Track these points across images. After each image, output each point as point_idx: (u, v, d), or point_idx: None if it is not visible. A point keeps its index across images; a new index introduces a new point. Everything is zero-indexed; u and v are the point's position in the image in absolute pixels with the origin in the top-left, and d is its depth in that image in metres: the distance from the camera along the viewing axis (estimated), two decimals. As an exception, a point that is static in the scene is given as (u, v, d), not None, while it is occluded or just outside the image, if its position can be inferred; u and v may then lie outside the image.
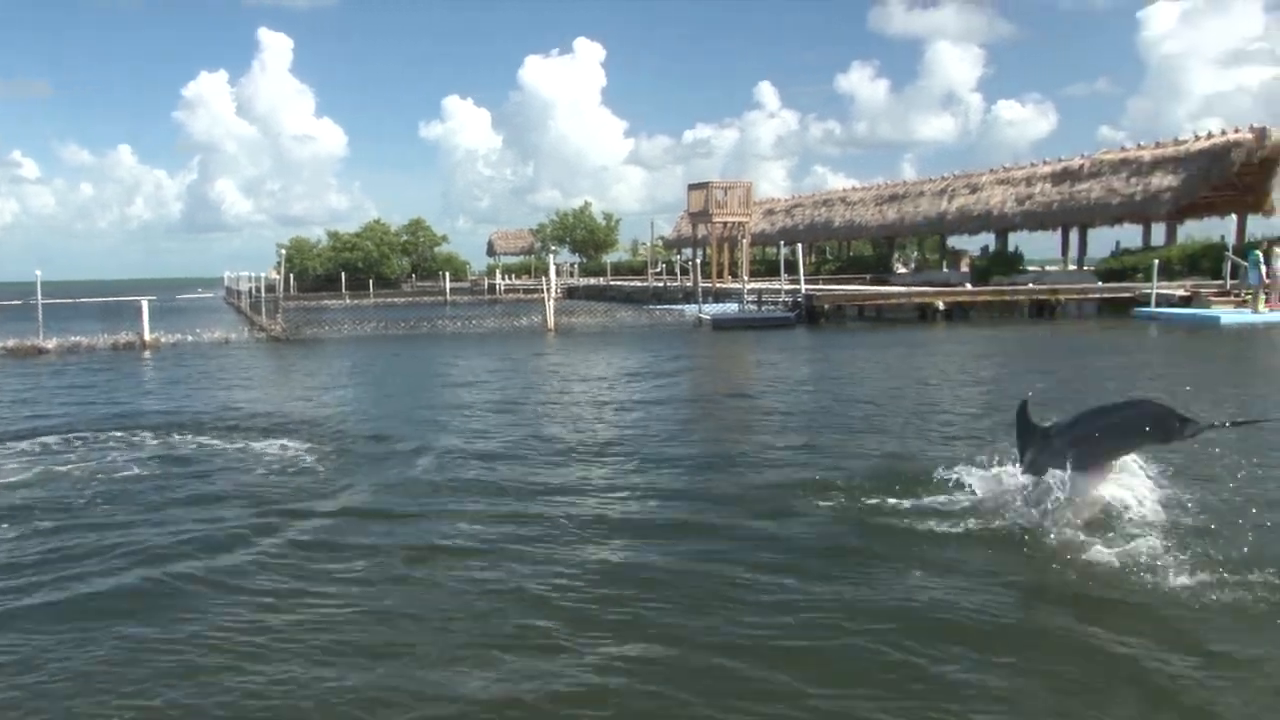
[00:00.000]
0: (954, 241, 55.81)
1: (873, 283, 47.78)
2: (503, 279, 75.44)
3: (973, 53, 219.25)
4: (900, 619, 5.92)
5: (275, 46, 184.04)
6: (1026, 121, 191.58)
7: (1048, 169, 46.98)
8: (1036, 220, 46.64)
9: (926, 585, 6.47)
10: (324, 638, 5.86)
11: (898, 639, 5.63)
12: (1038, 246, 53.04)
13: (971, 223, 50.23)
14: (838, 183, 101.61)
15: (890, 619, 5.93)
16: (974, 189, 50.46)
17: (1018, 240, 49.15)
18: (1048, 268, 49.05)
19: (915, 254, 67.09)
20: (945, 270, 52.30)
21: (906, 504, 8.24)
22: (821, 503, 8.49)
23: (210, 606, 6.45)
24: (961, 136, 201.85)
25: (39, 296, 30.70)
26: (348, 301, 63.80)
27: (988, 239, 51.01)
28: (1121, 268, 39.95)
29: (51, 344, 28.92)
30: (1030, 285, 38.99)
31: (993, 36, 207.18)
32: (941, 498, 8.30)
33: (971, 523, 7.69)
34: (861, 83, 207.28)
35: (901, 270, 57.55)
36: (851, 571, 6.82)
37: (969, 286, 40.04)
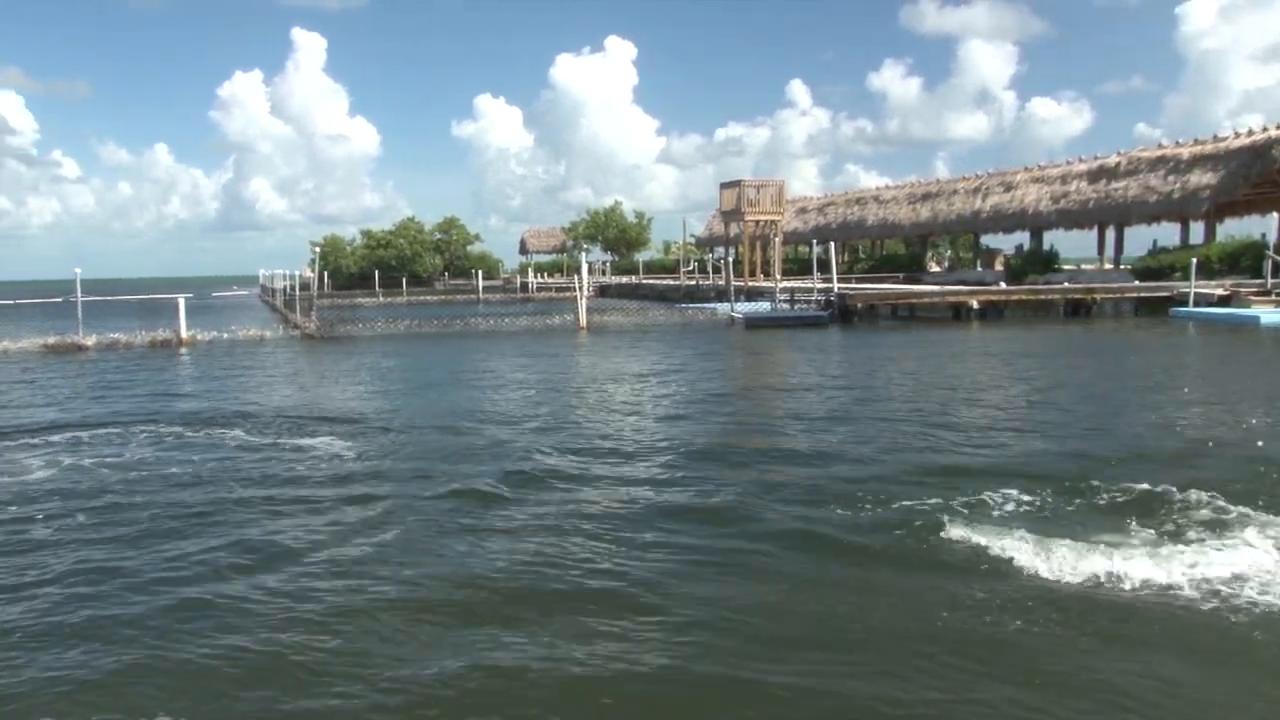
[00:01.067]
0: (988, 240, 55.42)
1: (905, 282, 47.50)
2: (535, 277, 75.62)
3: (1006, 50, 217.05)
4: (923, 623, 5.91)
5: (309, 46, 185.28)
6: (1061, 119, 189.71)
7: (1083, 167, 46.53)
8: (1072, 219, 46.19)
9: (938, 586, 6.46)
10: (376, 624, 5.92)
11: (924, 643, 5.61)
12: (1073, 245, 52.80)
13: (1006, 221, 49.82)
14: (870, 181, 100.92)
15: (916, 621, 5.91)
16: (1008, 187, 50.06)
17: (1053, 239, 48.76)
18: (1083, 266, 48.60)
19: (949, 253, 66.64)
20: (979, 269, 51.93)
21: (930, 502, 8.22)
22: (857, 503, 8.46)
23: (252, 597, 6.54)
24: (995, 134, 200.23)
25: (79, 294, 31.12)
26: (381, 300, 64.13)
27: (1022, 238, 50.64)
28: (1159, 266, 39.49)
29: (91, 341, 29.31)
30: (1066, 284, 38.63)
31: (1026, 33, 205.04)
32: (969, 498, 8.26)
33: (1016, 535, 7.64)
34: (893, 81, 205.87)
35: (935, 269, 57.21)
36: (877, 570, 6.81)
37: (1003, 285, 39.72)
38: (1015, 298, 35.91)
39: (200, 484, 9.99)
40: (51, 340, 29.12)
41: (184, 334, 30.67)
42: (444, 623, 6.09)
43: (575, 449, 11.54)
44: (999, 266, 49.88)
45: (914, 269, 54.72)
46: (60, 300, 34.66)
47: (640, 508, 8.66)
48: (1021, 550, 6.97)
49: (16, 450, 12.36)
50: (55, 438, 13.24)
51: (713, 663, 5.43)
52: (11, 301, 41.66)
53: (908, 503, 8.37)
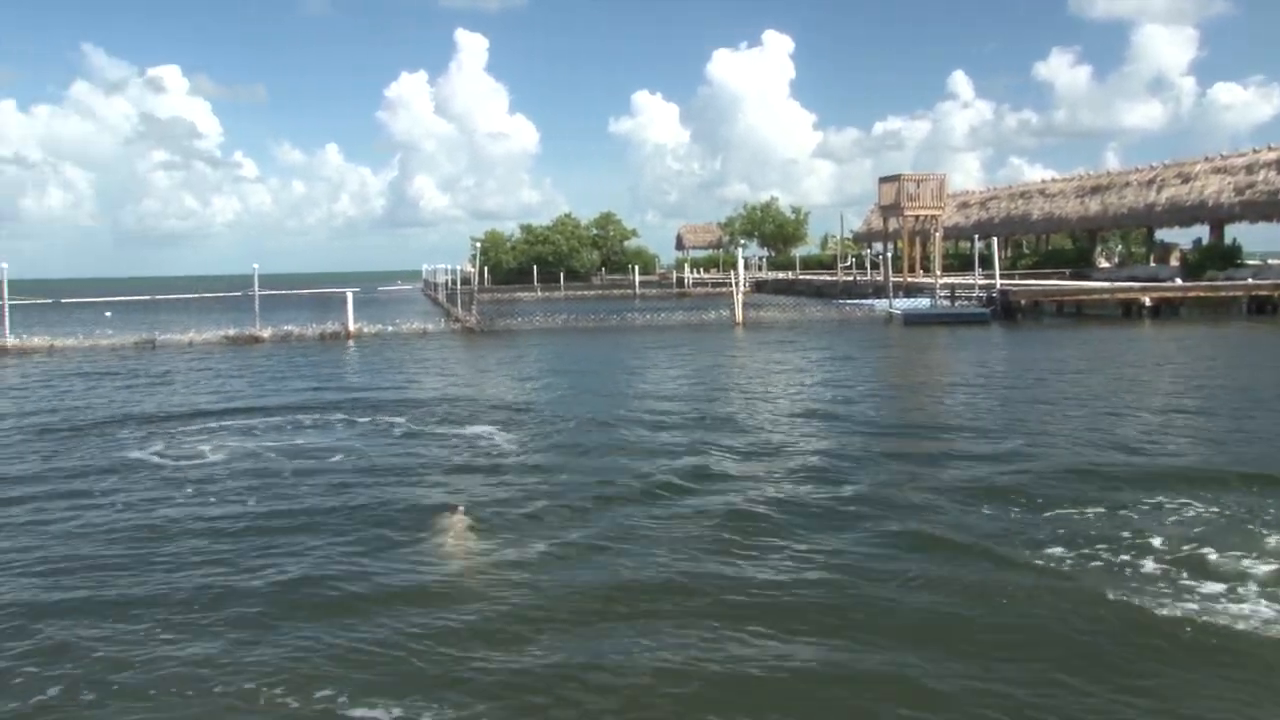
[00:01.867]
0: (1162, 235, 52.83)
1: (1072, 278, 45.82)
2: (691, 273, 75.81)
3: (1185, 34, 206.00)
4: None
5: (471, 47, 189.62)
6: (1247, 105, 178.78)
7: (1272, 155, 43.84)
8: (1259, 211, 43.60)
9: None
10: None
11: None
12: (1258, 238, 49.76)
13: (1182, 214, 47.42)
14: (1035, 174, 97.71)
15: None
16: (1186, 178, 47.65)
17: (1235, 232, 46.18)
18: (1270, 261, 45.90)
19: (1119, 248, 63.95)
20: (1152, 265, 49.63)
21: (1092, 512, 7.98)
22: (1029, 509, 8.27)
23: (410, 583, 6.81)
24: (1171, 123, 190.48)
25: (256, 289, 32.85)
26: (539, 294, 65.33)
27: (1200, 231, 48.13)
28: (1354, 262, 37.06)
29: (266, 333, 30.84)
30: (1249, 280, 36.61)
31: (1207, 16, 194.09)
32: (1142, 509, 7.98)
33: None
34: (1061, 69, 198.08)
35: (1104, 265, 54.93)
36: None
37: (1179, 282, 37.90)
38: (1192, 294, 34.24)
39: (368, 471, 10.40)
40: (231, 332, 30.81)
41: (351, 327, 31.93)
42: (599, 620, 6.21)
43: (733, 446, 11.60)
44: (1174, 262, 47.56)
45: (1081, 265, 52.67)
46: (239, 295, 36.54)
47: (806, 507, 8.62)
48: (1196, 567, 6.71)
49: (195, 434, 13.16)
50: (230, 423, 14.05)
51: (880, 662, 5.42)
52: (196, 296, 44.10)
53: (1082, 510, 8.17)
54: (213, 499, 9.33)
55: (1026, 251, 62.45)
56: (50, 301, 41.09)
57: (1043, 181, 61.10)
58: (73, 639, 5.87)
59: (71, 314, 44.04)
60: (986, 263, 36.58)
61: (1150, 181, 49.92)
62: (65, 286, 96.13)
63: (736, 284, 36.66)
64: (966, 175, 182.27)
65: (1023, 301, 34.23)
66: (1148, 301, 33.07)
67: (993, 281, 35.33)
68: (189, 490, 9.72)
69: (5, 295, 29.41)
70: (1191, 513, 7.95)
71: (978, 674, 5.24)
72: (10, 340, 28.38)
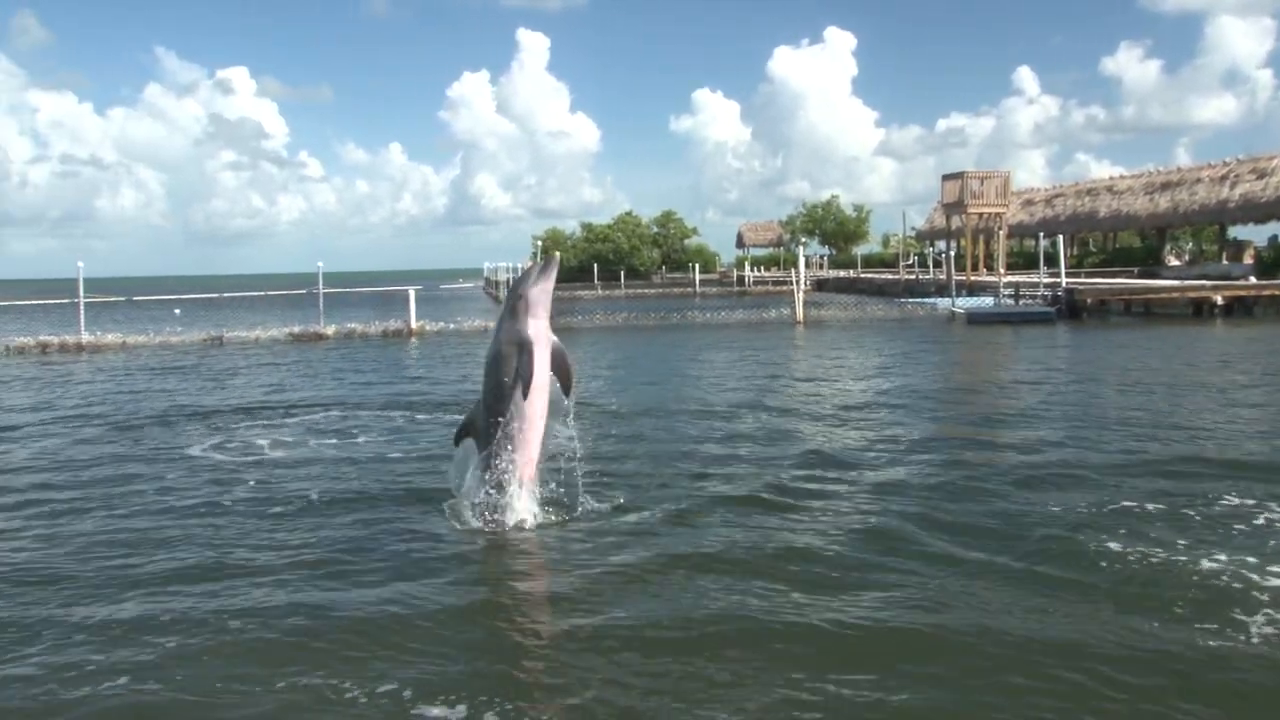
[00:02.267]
0: (1235, 232, 51.69)
1: (1140, 277, 44.99)
2: (751, 271, 75.60)
3: (1262, 25, 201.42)
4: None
5: (533, 46, 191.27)
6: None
7: (1351, 150, 42.76)
8: (1336, 207, 42.54)
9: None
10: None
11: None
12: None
13: (1258, 210, 46.27)
14: (1102, 171, 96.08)
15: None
16: (1261, 174, 46.48)
17: (1313, 228, 45.04)
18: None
19: (1190, 246, 62.64)
20: (1225, 263, 48.53)
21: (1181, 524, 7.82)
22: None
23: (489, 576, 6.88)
24: (1246, 117, 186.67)
25: (320, 286, 33.36)
26: (599, 292, 65.56)
27: (1276, 228, 47.06)
28: None
29: (330, 330, 31.32)
30: (1325, 279, 35.68)
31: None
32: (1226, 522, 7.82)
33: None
34: (1130, 64, 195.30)
35: (1174, 263, 53.78)
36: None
37: (1253, 280, 37.03)
38: (1267, 292, 33.44)
39: (429, 470, 10.43)
40: (296, 329, 31.32)
41: (414, 324, 32.30)
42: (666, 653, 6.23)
43: (801, 444, 11.53)
44: (1248, 260, 46.47)
45: (1150, 263, 51.66)
46: (304, 292, 37.13)
47: (881, 514, 8.52)
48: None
49: (257, 429, 13.40)
50: (292, 419, 14.29)
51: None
52: (261, 294, 44.94)
53: (1180, 511, 8.02)
54: (273, 492, 9.47)
55: (1093, 250, 61.44)
56: (123, 299, 42.05)
57: (1110, 178, 60.01)
58: (136, 630, 5.99)
59: (143, 311, 45.04)
60: (1051, 261, 36.08)
61: (1223, 177, 48.80)
62: (137, 284, 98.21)
63: (797, 282, 36.52)
64: (1031, 172, 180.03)
65: (1089, 300, 33.69)
66: (1220, 300, 32.37)
67: (1058, 280, 34.82)
68: (250, 483, 9.88)
69: (81, 293, 30.23)
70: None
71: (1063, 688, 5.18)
72: (85, 337, 29.12)
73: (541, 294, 7.68)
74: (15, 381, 20.69)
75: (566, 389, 7.97)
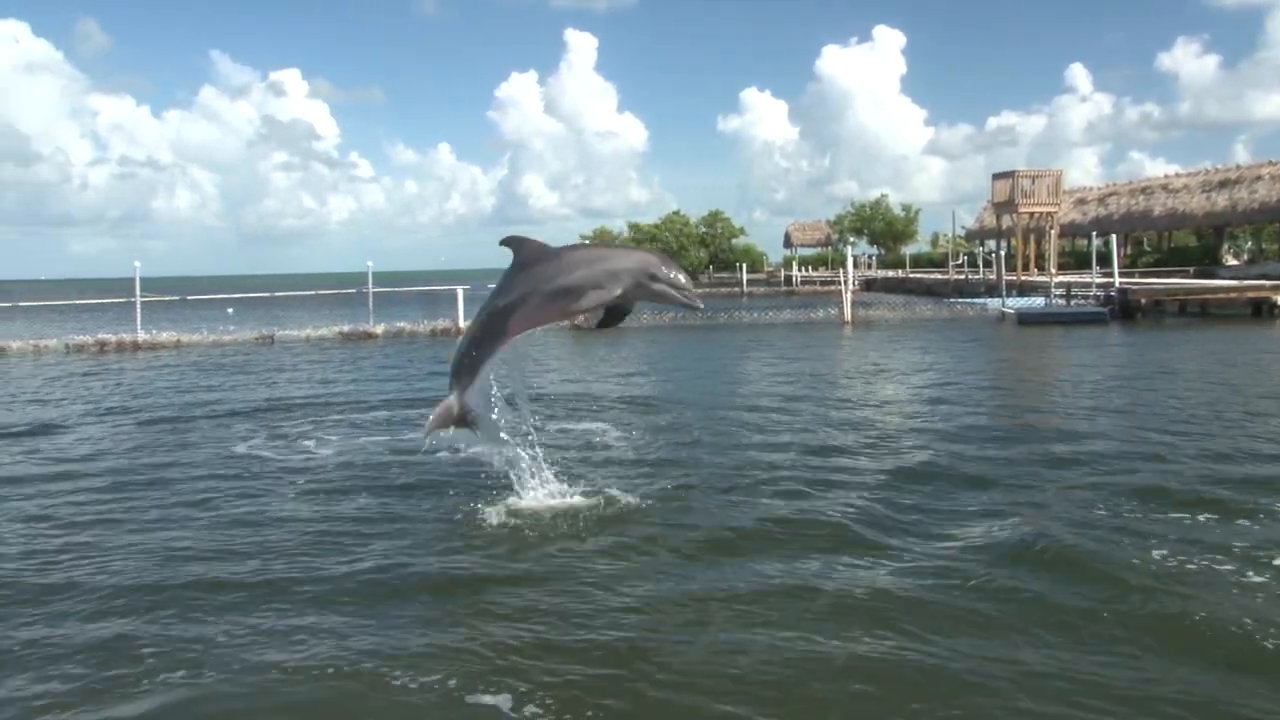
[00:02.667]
0: (1296, 230, 50.80)
1: (1197, 277, 44.23)
2: (799, 271, 75.31)
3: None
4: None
5: (580, 46, 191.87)
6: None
7: None
8: (1399, 205, 41.61)
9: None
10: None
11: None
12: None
13: (1319, 209, 45.45)
14: (1156, 169, 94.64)
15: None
16: (1324, 172, 45.64)
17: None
18: None
19: (1248, 245, 61.54)
20: (1285, 262, 47.69)
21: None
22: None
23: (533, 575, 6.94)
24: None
25: (370, 285, 33.65)
26: (647, 292, 65.37)
27: (1338, 227, 46.10)
28: None
29: (379, 329, 31.60)
30: (1388, 279, 34.88)
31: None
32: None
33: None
34: (1186, 60, 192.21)
35: (1232, 262, 52.91)
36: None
37: (1313, 280, 36.30)
38: (1330, 293, 32.76)
39: (474, 471, 10.41)
40: (346, 328, 31.62)
41: (462, 324, 32.42)
42: (715, 614, 6.20)
43: (847, 443, 11.47)
44: (1310, 259, 45.64)
45: (1207, 263, 50.81)
46: (353, 291, 37.45)
47: (919, 506, 8.49)
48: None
49: (305, 427, 13.52)
50: (337, 417, 14.43)
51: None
52: (312, 293, 45.33)
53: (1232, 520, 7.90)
54: (321, 490, 9.55)
55: (1147, 249, 60.58)
56: (178, 298, 42.67)
57: (1165, 176, 59.13)
58: (191, 624, 6.09)
59: (197, 310, 45.66)
60: (1105, 260, 35.62)
61: (1284, 175, 47.94)
62: (191, 284, 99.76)
63: (845, 282, 36.35)
64: (1084, 171, 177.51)
65: (1143, 300, 33.20)
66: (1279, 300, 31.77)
67: (1111, 280, 34.34)
68: (300, 480, 9.98)
69: (138, 293, 30.78)
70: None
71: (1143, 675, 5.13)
72: (142, 335, 29.61)
73: (664, 276, 7.98)
74: (71, 378, 21.11)
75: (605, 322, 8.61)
